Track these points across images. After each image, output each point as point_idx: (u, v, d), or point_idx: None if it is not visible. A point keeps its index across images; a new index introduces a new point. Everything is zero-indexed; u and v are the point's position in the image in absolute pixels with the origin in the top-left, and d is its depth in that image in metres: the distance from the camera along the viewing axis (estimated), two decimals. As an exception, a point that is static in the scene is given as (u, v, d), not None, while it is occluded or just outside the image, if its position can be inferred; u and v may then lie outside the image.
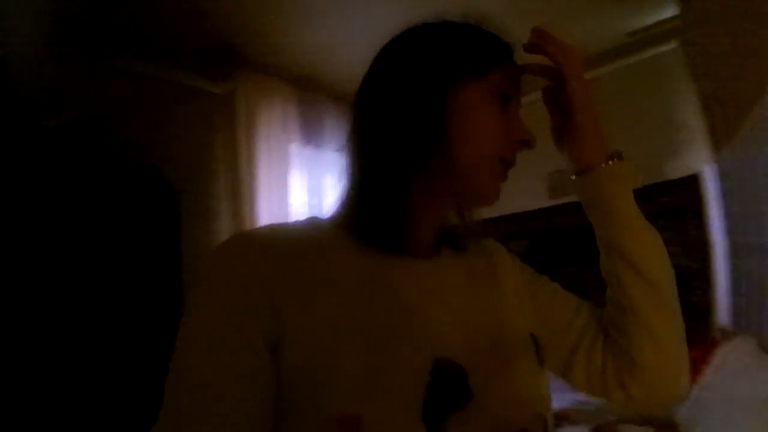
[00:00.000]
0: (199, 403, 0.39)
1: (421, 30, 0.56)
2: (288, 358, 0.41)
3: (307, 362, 0.40)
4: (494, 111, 0.53)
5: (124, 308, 1.79)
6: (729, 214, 1.82)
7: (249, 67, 2.27)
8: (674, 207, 2.01)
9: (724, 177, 1.81)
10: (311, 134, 2.50)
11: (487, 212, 0.59)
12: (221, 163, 2.25)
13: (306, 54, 2.28)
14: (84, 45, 1.84)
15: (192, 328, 0.42)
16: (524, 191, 2.15)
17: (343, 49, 2.22)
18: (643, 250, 0.55)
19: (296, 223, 0.54)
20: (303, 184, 2.42)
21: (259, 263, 0.43)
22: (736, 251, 1.80)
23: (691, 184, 1.98)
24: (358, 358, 0.41)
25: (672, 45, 2.06)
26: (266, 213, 2.22)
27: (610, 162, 0.56)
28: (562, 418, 1.73)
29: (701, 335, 1.83)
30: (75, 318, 1.67)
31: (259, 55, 2.26)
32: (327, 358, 0.41)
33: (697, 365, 1.61)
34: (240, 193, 2.20)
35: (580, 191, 0.59)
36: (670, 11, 2.04)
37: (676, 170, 1.97)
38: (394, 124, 0.51)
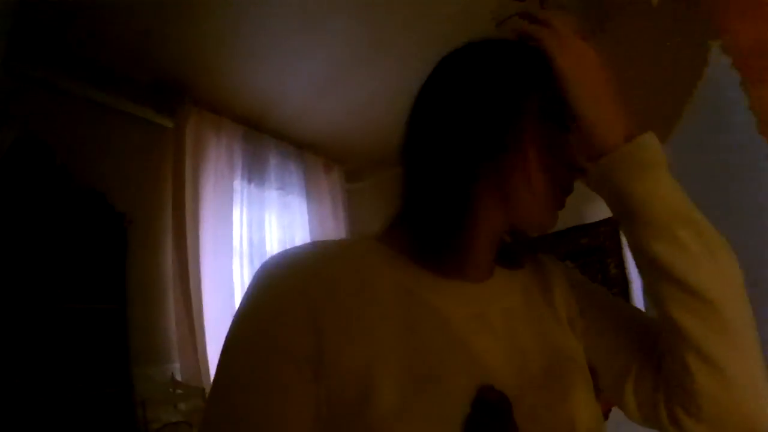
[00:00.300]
0: None
1: (486, 46, 0.52)
2: (328, 382, 0.39)
3: (345, 389, 0.39)
4: (556, 135, 0.49)
5: (66, 336, 1.73)
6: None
7: (198, 103, 2.33)
8: (594, 247, 2.15)
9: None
10: (254, 172, 2.56)
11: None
12: (167, 195, 2.27)
13: (252, 94, 2.37)
14: (36, 65, 1.86)
15: (240, 358, 0.41)
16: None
17: (288, 92, 2.33)
18: (681, 253, 0.42)
19: (344, 243, 0.51)
20: (245, 219, 2.46)
21: (306, 285, 0.42)
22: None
23: (609, 225, 2.13)
24: (398, 386, 0.38)
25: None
26: (210, 246, 2.23)
27: (627, 145, 0.44)
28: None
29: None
30: (14, 347, 1.60)
31: (207, 93, 2.33)
32: (366, 386, 0.38)
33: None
34: (184, 225, 2.21)
35: (594, 185, 0.48)
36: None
37: (595, 214, 2.12)
38: (462, 138, 0.46)
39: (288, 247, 0.50)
